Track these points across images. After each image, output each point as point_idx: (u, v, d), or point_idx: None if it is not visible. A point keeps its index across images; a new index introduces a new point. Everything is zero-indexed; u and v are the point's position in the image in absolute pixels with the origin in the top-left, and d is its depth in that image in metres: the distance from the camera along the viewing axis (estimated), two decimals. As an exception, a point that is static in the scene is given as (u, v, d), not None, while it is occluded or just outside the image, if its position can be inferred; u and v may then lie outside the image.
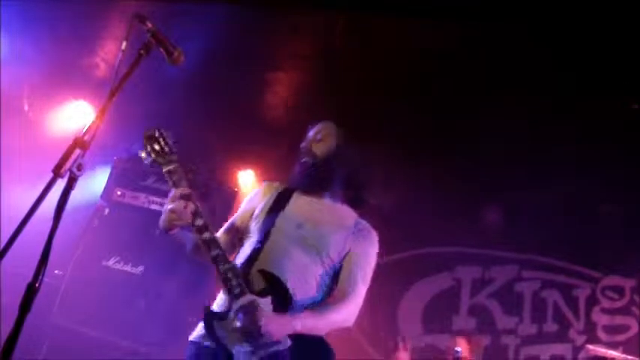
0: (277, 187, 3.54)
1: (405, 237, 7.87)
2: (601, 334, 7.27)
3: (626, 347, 6.69)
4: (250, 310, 2.96)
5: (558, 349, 7.39)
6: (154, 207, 5.80)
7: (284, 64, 6.97)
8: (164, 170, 3.09)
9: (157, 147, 3.10)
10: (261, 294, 3.03)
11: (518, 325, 7.65)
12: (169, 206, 3.05)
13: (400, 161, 7.45)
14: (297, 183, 3.46)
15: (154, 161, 3.11)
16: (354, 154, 3.51)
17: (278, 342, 2.97)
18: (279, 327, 2.98)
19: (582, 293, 7.53)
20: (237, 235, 3.44)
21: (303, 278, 3.19)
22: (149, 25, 2.78)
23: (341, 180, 3.45)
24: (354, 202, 3.50)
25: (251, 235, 3.36)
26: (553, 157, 6.90)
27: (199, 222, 3.04)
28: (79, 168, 2.43)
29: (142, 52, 2.72)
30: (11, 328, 2.27)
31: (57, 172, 2.41)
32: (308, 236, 3.27)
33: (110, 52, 6.94)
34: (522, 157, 7.11)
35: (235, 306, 2.98)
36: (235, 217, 3.51)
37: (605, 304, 7.40)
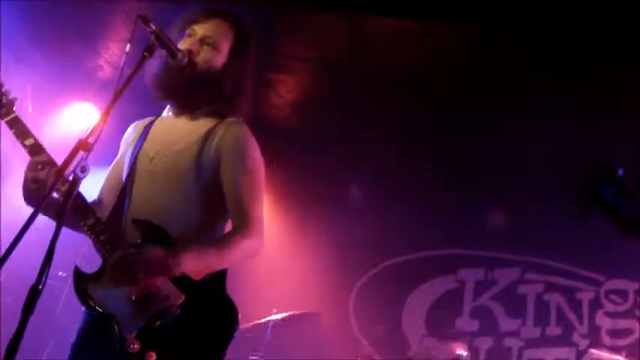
0: (143, 123, 3.20)
1: (406, 239, 7.87)
2: (604, 338, 7.25)
3: (629, 351, 6.67)
4: (126, 264, 2.62)
5: (562, 352, 7.37)
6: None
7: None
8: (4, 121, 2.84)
9: None
10: (139, 245, 2.73)
11: (521, 327, 7.63)
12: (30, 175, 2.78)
13: (402, 160, 7.47)
14: (162, 94, 3.06)
15: None
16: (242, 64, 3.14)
17: (166, 297, 2.65)
18: (162, 272, 2.64)
19: (586, 296, 7.51)
20: (113, 185, 3.08)
21: (179, 214, 2.86)
22: (153, 26, 2.76)
23: (213, 95, 3.07)
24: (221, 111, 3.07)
25: (116, 180, 3.05)
26: (557, 155, 6.90)
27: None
28: (83, 170, 2.42)
29: (145, 54, 2.72)
30: (15, 330, 2.27)
31: (60, 175, 2.41)
32: (165, 167, 2.93)
33: (114, 54, 6.95)
34: (524, 158, 7.11)
35: (110, 262, 2.67)
36: (109, 172, 3.17)
37: (609, 307, 7.38)
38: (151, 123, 3.15)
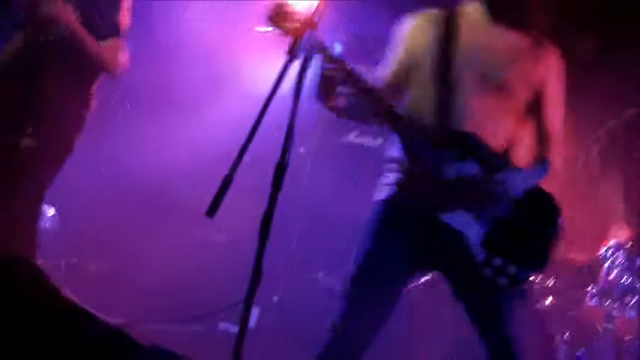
0: (434, 18, 2.98)
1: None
2: None
3: None
4: (460, 179, 2.73)
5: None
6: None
7: None
8: None
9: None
10: (461, 158, 2.75)
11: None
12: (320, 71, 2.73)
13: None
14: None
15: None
16: None
17: (498, 204, 2.74)
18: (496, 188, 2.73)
19: None
20: (400, 85, 3.01)
21: (501, 128, 2.85)
22: None
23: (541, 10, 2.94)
24: None
25: (420, 84, 2.93)
26: None
27: (362, 83, 2.72)
28: (312, 48, 2.48)
29: None
30: (266, 206, 2.42)
31: (291, 54, 2.48)
32: (489, 73, 2.85)
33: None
34: None
35: (445, 174, 2.73)
36: (392, 64, 3.03)
37: None
38: (449, 19, 2.95)
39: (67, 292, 4.39)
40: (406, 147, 2.84)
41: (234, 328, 2.44)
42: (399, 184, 2.91)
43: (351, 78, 2.70)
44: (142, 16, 4.52)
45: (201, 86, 6.45)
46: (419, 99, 2.92)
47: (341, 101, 2.83)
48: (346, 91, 2.76)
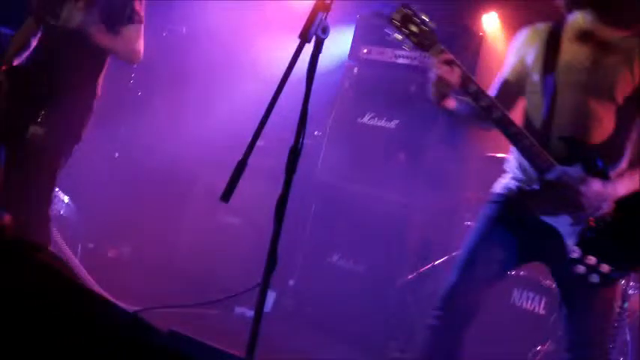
0: (543, 30, 3.13)
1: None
2: None
3: None
4: (564, 190, 2.89)
5: None
6: (401, 61, 5.77)
7: None
8: (430, 52, 2.92)
9: (414, 29, 2.92)
10: (567, 163, 2.90)
11: None
12: (434, 74, 2.92)
13: None
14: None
15: (416, 44, 2.93)
16: None
17: (599, 207, 2.88)
18: (599, 192, 2.87)
19: None
20: (512, 93, 3.17)
21: (605, 134, 2.96)
22: None
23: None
24: None
25: (531, 92, 3.10)
26: None
27: (473, 87, 2.88)
28: (324, 31, 2.46)
29: None
30: (281, 188, 2.42)
31: (304, 37, 2.46)
32: (595, 80, 2.95)
33: None
34: None
35: (549, 177, 2.89)
36: (506, 74, 3.20)
37: None
38: (555, 30, 3.09)
39: (83, 278, 4.42)
40: (519, 151, 2.96)
41: (251, 313, 2.44)
42: (511, 184, 3.11)
43: (467, 82, 2.88)
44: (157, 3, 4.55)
45: (216, 71, 6.45)
46: (530, 105, 3.10)
47: (456, 104, 3.05)
48: (462, 95, 2.97)
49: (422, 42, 2.92)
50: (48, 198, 4.04)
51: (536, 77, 3.06)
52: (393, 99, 5.75)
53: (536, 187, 2.95)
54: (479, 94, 2.88)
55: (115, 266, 5.87)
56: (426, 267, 5.29)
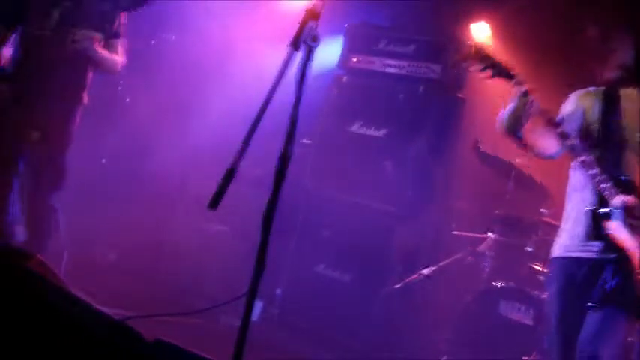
0: (595, 92, 3.52)
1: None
2: None
3: None
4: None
5: None
6: (389, 70, 5.79)
7: None
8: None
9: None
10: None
11: None
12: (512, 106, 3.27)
13: None
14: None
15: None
16: None
17: None
18: None
19: None
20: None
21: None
22: None
23: None
24: None
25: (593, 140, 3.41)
26: None
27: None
28: (315, 39, 2.46)
29: None
30: (270, 194, 2.42)
31: (294, 46, 2.46)
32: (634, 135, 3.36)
33: None
34: None
35: (614, 204, 3.20)
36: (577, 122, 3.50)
37: None
38: (609, 95, 3.47)
39: (70, 285, 4.40)
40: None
41: (237, 321, 2.43)
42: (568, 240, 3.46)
43: (544, 117, 3.28)
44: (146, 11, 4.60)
45: (205, 79, 6.44)
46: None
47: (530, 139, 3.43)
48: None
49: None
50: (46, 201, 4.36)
51: (598, 128, 3.44)
52: (381, 108, 5.76)
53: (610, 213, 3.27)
54: (565, 135, 3.32)
55: (101, 273, 5.83)
56: (413, 277, 5.29)
